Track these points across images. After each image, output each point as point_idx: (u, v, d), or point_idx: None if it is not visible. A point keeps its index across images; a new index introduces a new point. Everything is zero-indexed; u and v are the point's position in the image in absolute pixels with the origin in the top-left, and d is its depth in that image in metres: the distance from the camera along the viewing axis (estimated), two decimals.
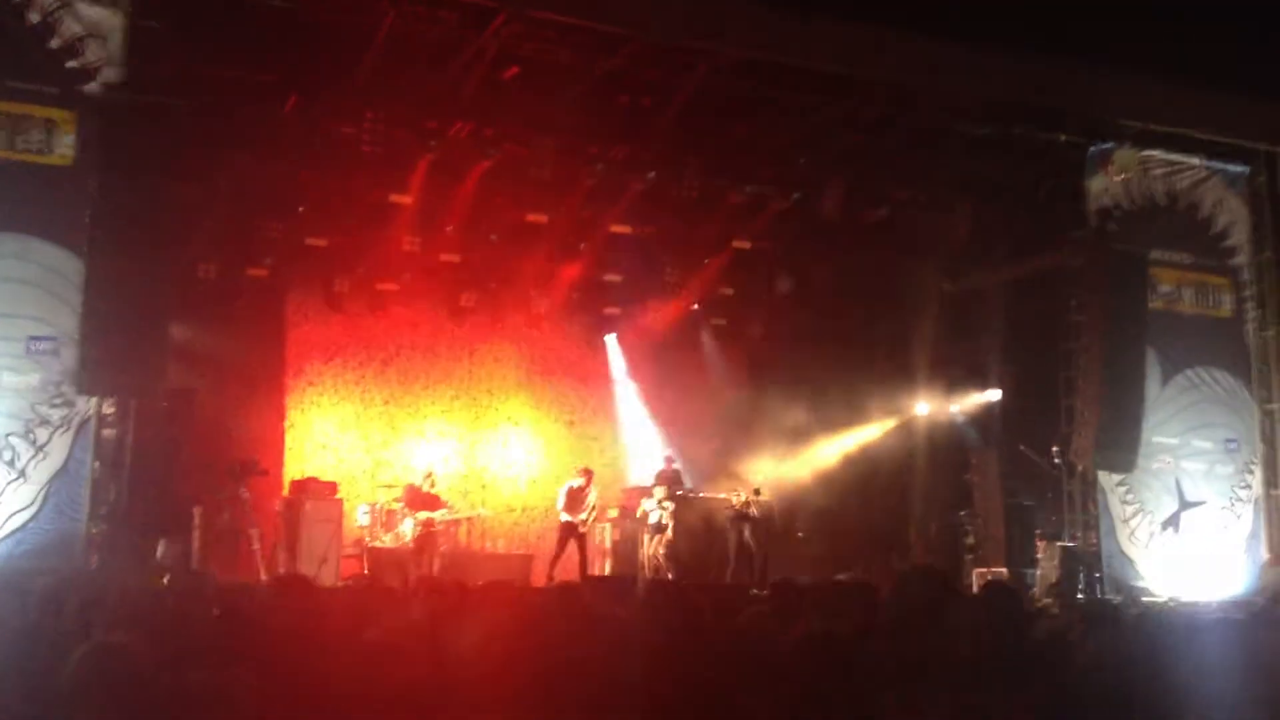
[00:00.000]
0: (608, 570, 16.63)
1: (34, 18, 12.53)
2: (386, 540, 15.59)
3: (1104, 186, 17.38)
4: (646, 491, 17.04)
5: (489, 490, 17.88)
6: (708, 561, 16.73)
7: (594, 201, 16.69)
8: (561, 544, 15.99)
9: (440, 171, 15.60)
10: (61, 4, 12.59)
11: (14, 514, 12.03)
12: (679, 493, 17.01)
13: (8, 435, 12.11)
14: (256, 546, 14.27)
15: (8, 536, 11.92)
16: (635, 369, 19.04)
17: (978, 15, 15.49)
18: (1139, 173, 17.62)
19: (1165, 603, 14.89)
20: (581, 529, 16.03)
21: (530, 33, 14.02)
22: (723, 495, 17.35)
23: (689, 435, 18.71)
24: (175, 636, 4.85)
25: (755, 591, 13.40)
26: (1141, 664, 4.67)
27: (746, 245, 17.87)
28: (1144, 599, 15.53)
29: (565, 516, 16.05)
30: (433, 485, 15.91)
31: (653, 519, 16.59)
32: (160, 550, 12.92)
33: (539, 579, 15.27)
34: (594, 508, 16.24)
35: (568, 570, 15.53)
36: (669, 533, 16.44)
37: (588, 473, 16.50)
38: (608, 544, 17.01)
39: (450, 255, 16.96)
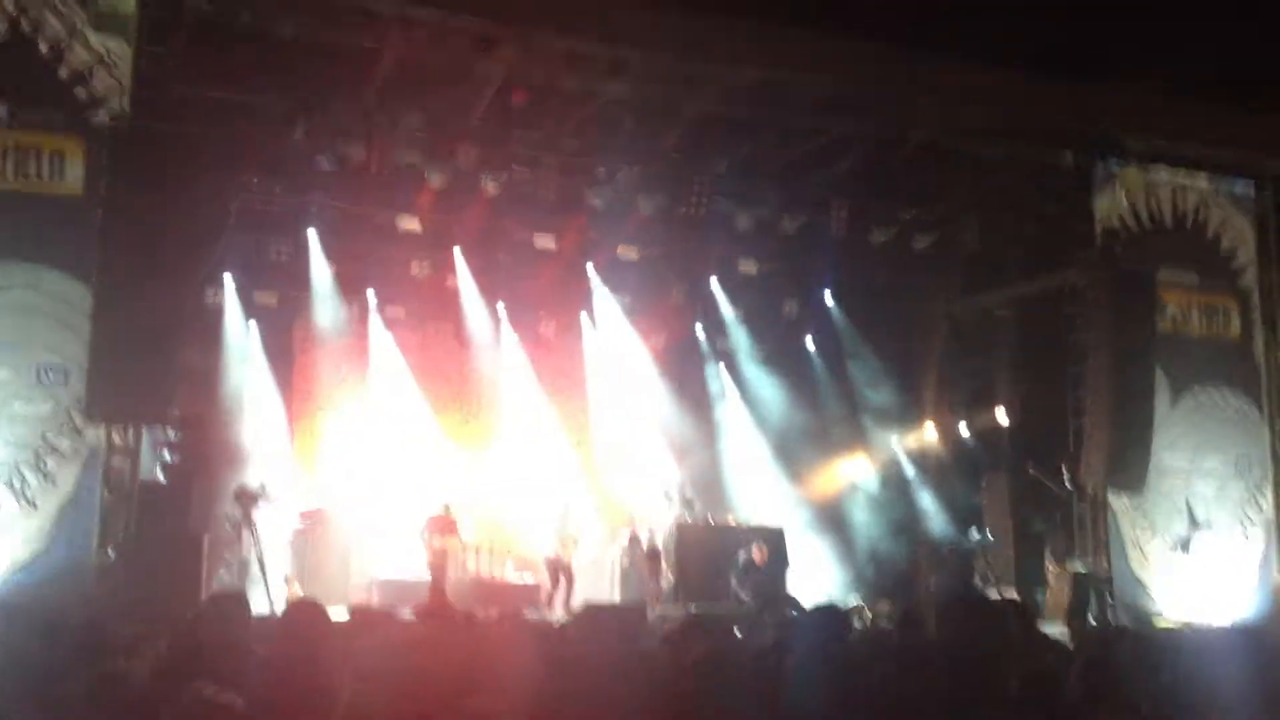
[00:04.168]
0: (617, 598, 16.39)
1: (43, 48, 12.53)
2: (397, 568, 15.52)
3: (1111, 206, 17.29)
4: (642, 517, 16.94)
5: (498, 515, 17.76)
6: (716, 586, 16.61)
7: (601, 223, 16.69)
8: (552, 577, 15.82)
9: (448, 195, 15.61)
10: (70, 33, 12.59)
11: (24, 543, 11.97)
12: (683, 519, 16.85)
13: (18, 464, 12.05)
14: (265, 575, 14.17)
15: (21, 568, 11.85)
16: (643, 390, 18.97)
17: (982, 35, 15.52)
18: (1145, 192, 17.55)
19: (1178, 626, 14.79)
20: (557, 565, 15.84)
21: (536, 57, 14.04)
22: (730, 517, 17.28)
23: (696, 457, 18.63)
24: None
25: (766, 616, 13.30)
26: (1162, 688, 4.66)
27: (753, 267, 17.85)
28: (1156, 622, 15.47)
29: (548, 550, 15.97)
30: (447, 512, 15.83)
31: (643, 545, 16.45)
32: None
33: (548, 609, 15.18)
34: (570, 539, 16.06)
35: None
36: (661, 559, 16.27)
37: (566, 503, 16.41)
38: (618, 572, 16.82)
39: (458, 278, 16.95)
